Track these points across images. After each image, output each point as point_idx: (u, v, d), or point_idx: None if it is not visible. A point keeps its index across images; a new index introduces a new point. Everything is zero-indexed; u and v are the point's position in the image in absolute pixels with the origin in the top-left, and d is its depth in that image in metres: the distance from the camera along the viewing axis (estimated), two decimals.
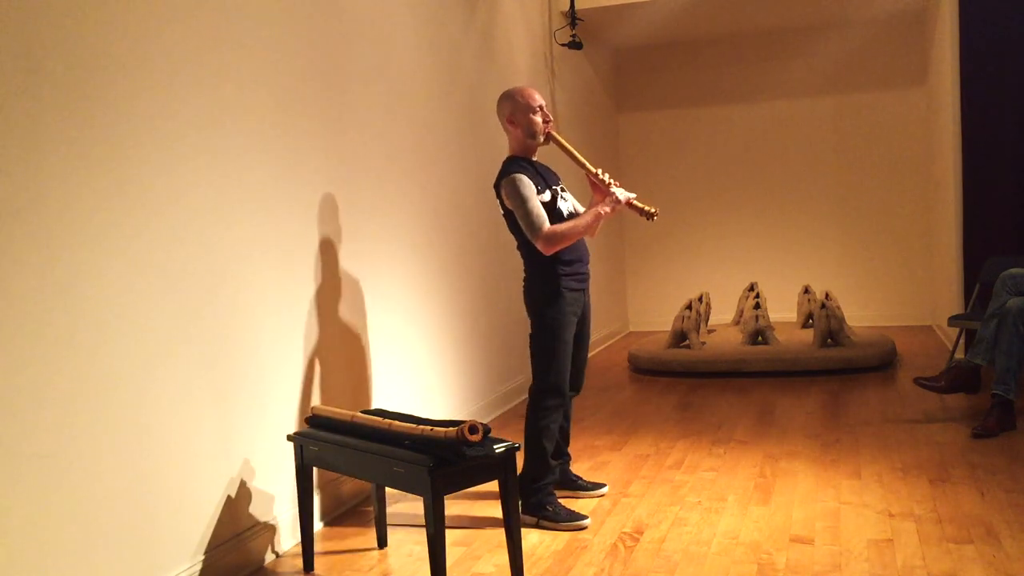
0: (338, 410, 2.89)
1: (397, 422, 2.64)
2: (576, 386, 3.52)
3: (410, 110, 4.21)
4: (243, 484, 2.95)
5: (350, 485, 3.58)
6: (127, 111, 2.50)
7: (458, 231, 4.65)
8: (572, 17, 6.33)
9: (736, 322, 6.86)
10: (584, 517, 3.20)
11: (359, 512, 3.52)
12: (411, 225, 4.17)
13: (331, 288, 3.48)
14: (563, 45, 6.33)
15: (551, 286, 3.26)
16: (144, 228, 2.55)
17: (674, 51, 8.03)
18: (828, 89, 7.69)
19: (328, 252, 3.47)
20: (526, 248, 3.29)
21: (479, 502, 3.51)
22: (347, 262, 3.60)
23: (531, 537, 3.11)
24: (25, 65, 2.19)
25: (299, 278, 3.29)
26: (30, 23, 2.22)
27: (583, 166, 3.35)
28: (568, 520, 3.18)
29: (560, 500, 3.44)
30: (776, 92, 7.82)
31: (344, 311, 3.56)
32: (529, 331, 3.35)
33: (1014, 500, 3.17)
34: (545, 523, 3.19)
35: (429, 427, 2.53)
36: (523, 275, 3.38)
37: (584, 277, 3.38)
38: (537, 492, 3.24)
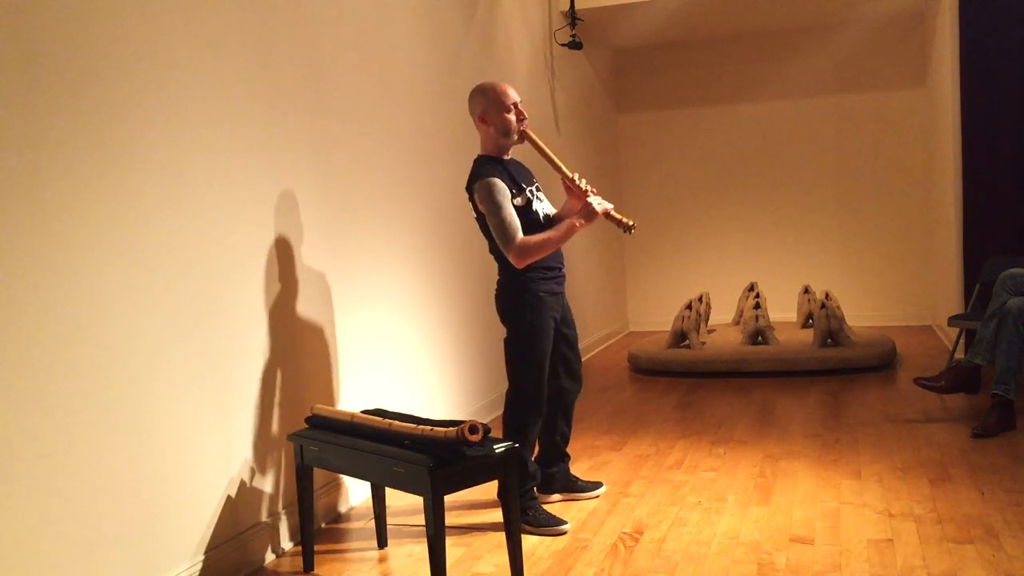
0: (338, 410, 2.89)
1: (397, 422, 2.64)
2: (576, 387, 3.44)
3: (410, 110, 4.21)
4: (243, 484, 2.95)
5: (339, 492, 3.59)
6: (126, 112, 2.50)
7: (458, 231, 4.65)
8: (572, 17, 6.33)
9: (736, 322, 6.86)
10: (564, 522, 3.16)
11: (359, 512, 3.52)
12: (412, 225, 4.17)
13: (332, 288, 3.48)
14: (563, 45, 6.33)
15: (530, 291, 3.16)
16: (144, 228, 2.55)
17: (674, 51, 8.02)
18: (828, 89, 7.68)
19: (329, 252, 3.47)
20: (500, 252, 3.17)
21: (479, 502, 3.51)
22: (347, 262, 3.60)
23: (531, 537, 3.11)
24: (25, 65, 2.19)
25: (299, 278, 3.28)
26: (30, 23, 2.22)
27: (559, 170, 3.22)
28: (547, 524, 3.15)
29: (559, 502, 3.44)
30: (776, 92, 7.82)
31: (344, 311, 3.56)
32: (504, 337, 3.26)
33: (1014, 500, 3.17)
34: (525, 527, 3.12)
35: (429, 427, 2.53)
36: (497, 278, 3.27)
37: (562, 279, 3.29)
38: (519, 498, 3.19)
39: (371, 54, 3.87)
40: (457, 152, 4.67)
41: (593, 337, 7.12)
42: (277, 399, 3.14)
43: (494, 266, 3.28)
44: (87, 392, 2.34)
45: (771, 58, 7.78)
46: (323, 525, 3.36)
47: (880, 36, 7.47)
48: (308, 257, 3.34)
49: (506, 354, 3.25)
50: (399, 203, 4.07)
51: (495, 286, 3.29)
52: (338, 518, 3.45)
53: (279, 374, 3.15)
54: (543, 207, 3.24)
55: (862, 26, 7.45)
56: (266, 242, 3.10)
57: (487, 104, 3.16)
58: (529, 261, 3.09)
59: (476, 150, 3.27)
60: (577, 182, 3.20)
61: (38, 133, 2.22)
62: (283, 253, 3.19)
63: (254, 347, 3.02)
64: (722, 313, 7.54)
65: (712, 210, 8.07)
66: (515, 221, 3.07)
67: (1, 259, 2.12)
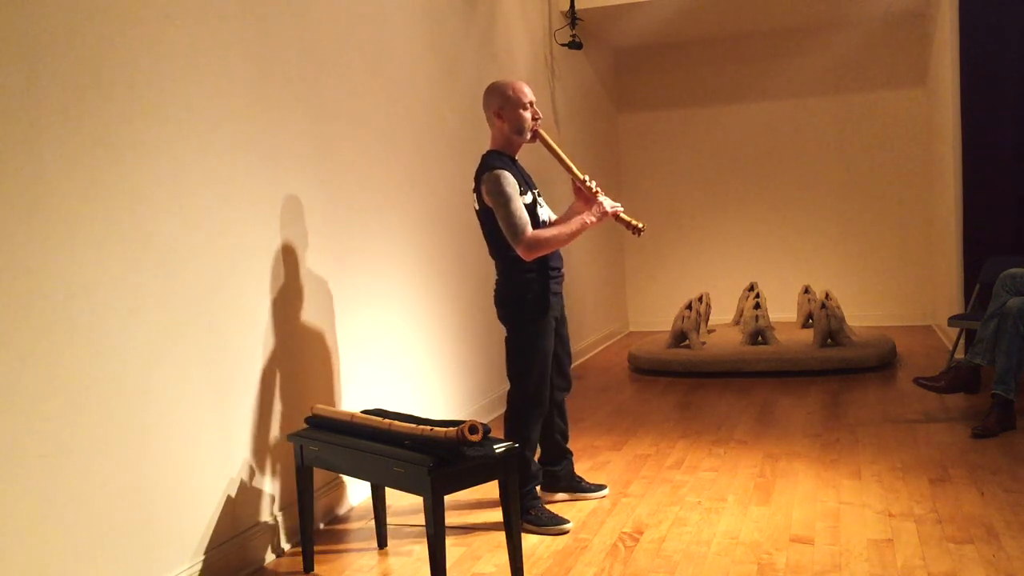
0: (338, 410, 2.89)
1: (397, 422, 2.64)
2: (565, 386, 3.45)
3: (410, 110, 4.21)
4: (243, 484, 2.95)
5: (339, 492, 3.59)
6: (125, 113, 2.50)
7: (458, 231, 4.65)
8: (572, 17, 6.33)
9: (736, 322, 6.86)
10: (566, 521, 3.17)
11: (359, 512, 3.52)
12: (411, 225, 4.17)
13: (331, 288, 3.48)
14: (563, 45, 6.33)
15: (534, 292, 3.14)
16: (143, 228, 2.55)
17: (674, 51, 8.03)
18: (828, 89, 7.69)
19: (328, 252, 3.47)
20: (502, 251, 3.15)
21: (479, 502, 3.51)
22: (347, 262, 3.60)
23: (531, 537, 3.11)
24: (25, 65, 2.19)
25: (299, 278, 3.29)
26: (30, 23, 2.22)
27: (570, 170, 3.23)
28: (550, 524, 3.15)
29: (559, 502, 3.44)
30: (776, 92, 7.82)
31: (344, 311, 3.56)
32: (505, 337, 3.24)
33: (1014, 500, 3.17)
34: (528, 526, 3.13)
35: (429, 427, 2.53)
36: (495, 278, 3.24)
37: (562, 280, 3.28)
38: (521, 498, 3.18)
39: (371, 54, 3.87)
40: (457, 153, 4.67)
41: (593, 337, 7.12)
42: (277, 399, 3.14)
43: (493, 265, 3.27)
44: (88, 392, 2.34)
45: (771, 58, 7.78)
46: (323, 525, 3.36)
47: (880, 36, 7.47)
48: (308, 257, 3.34)
49: (507, 354, 3.24)
50: (399, 203, 4.07)
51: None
52: (338, 518, 3.46)
53: (279, 374, 3.15)
54: (545, 212, 3.24)
55: (862, 26, 7.45)
56: (265, 243, 3.10)
57: (504, 101, 3.17)
58: (538, 255, 3.08)
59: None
60: (588, 183, 3.21)
61: (38, 133, 2.22)
62: (283, 253, 3.19)
63: (254, 347, 3.02)
64: (722, 313, 7.55)
65: (712, 210, 8.07)
66: (524, 214, 3.06)
67: (1, 259, 2.12)
